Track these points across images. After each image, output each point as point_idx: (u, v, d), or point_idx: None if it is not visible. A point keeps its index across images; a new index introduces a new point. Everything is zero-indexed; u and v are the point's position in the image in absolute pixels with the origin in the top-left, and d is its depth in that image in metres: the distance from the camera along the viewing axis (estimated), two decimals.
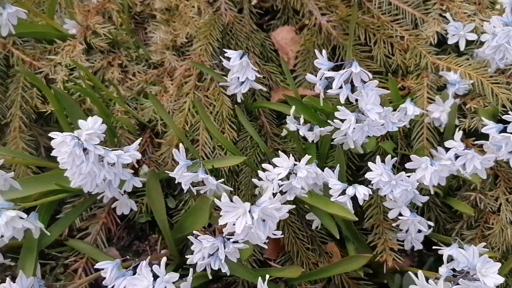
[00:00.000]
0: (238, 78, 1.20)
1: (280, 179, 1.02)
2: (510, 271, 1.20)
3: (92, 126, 0.97)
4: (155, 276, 0.97)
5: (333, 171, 1.12)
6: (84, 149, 0.97)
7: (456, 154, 1.10)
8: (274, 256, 1.28)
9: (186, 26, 1.41)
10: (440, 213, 1.28)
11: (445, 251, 1.03)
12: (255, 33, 1.46)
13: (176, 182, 1.22)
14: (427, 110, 1.26)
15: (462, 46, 1.29)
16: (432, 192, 1.13)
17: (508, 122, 1.10)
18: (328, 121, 1.13)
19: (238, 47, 1.41)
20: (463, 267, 1.01)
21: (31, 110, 1.32)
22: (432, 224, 1.15)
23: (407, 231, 1.15)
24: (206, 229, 1.24)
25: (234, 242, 0.95)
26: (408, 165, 1.10)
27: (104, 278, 1.02)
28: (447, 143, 1.12)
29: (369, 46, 1.40)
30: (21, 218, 0.96)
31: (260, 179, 1.12)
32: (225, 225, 0.92)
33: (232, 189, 1.12)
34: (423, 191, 1.20)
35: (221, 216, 0.92)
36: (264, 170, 1.08)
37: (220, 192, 1.12)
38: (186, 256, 1.06)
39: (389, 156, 1.09)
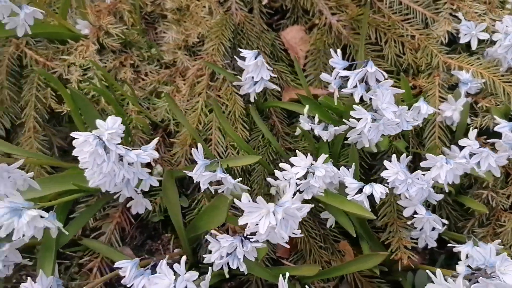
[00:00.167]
0: (253, 77, 1.20)
1: (298, 178, 1.03)
2: None
3: (112, 126, 0.98)
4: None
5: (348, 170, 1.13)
6: (105, 149, 0.98)
7: (470, 152, 1.10)
8: (287, 255, 1.28)
9: (197, 26, 1.42)
10: (451, 211, 1.29)
11: (462, 249, 1.04)
12: (266, 33, 1.47)
13: (193, 181, 1.24)
14: (439, 109, 1.27)
15: (474, 45, 1.30)
16: (447, 190, 1.14)
17: None
18: (343, 120, 1.13)
19: (249, 46, 1.41)
20: (479, 265, 1.02)
21: (45, 110, 1.32)
22: (446, 222, 1.16)
23: (421, 229, 1.15)
24: (220, 228, 1.25)
25: (254, 241, 0.95)
26: (423, 164, 1.11)
27: (121, 277, 1.02)
28: (462, 142, 1.12)
29: (380, 46, 1.41)
30: (41, 217, 0.96)
31: (275, 178, 1.13)
32: (244, 224, 0.93)
33: (249, 188, 1.12)
34: (435, 189, 1.21)
35: (241, 216, 0.92)
36: (281, 169, 1.08)
37: (237, 191, 1.12)
38: (203, 256, 1.07)
39: (404, 154, 1.10)
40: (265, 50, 1.43)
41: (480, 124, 1.28)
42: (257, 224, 0.89)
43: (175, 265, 0.96)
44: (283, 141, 1.34)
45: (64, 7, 1.31)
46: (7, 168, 0.96)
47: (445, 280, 0.98)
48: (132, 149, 1.03)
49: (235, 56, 1.29)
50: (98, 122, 1.00)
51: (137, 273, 1.01)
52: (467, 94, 1.28)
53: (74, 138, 0.98)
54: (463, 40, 1.31)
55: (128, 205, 1.22)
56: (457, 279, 0.97)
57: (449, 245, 1.12)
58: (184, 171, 1.10)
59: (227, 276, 1.07)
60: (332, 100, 1.17)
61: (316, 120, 1.20)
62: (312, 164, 1.05)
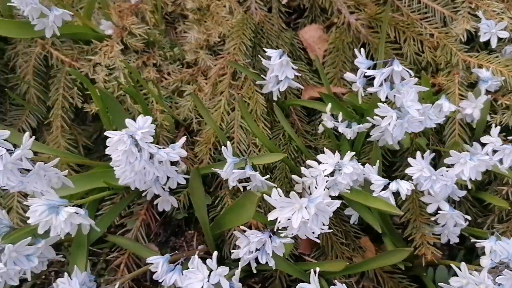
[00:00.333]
0: (277, 76, 1.22)
1: (325, 175, 1.05)
2: None
3: (143, 125, 1.00)
4: None
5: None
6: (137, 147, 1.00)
7: (493, 149, 1.12)
8: (309, 251, 1.30)
9: (218, 26, 1.44)
10: (470, 207, 1.31)
11: (486, 244, 1.06)
12: (284, 32, 1.49)
13: (216, 179, 1.26)
14: (459, 107, 1.29)
15: (494, 44, 1.32)
16: (469, 187, 1.15)
17: None
18: (367, 117, 1.15)
19: (269, 45, 1.43)
20: (502, 259, 1.04)
21: (71, 110, 1.34)
22: (469, 218, 1.17)
23: (444, 225, 1.17)
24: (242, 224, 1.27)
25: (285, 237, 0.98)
26: (446, 160, 1.13)
27: (146, 273, 1.04)
28: (484, 139, 1.14)
29: (399, 44, 1.42)
30: (77, 214, 0.99)
31: (300, 175, 1.15)
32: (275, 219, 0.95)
33: (276, 185, 1.14)
34: (457, 185, 1.23)
35: (272, 211, 0.94)
36: (307, 166, 1.10)
37: (264, 188, 1.15)
38: (232, 251, 1.09)
39: (428, 152, 1.12)
40: (285, 49, 1.44)
41: (500, 121, 1.29)
42: (289, 219, 0.91)
43: (208, 260, 0.98)
44: (303, 139, 1.36)
45: (89, 8, 1.33)
46: (44, 166, 0.98)
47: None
48: (162, 148, 1.05)
49: (259, 56, 1.31)
50: (128, 121, 1.02)
51: (168, 269, 1.04)
52: (487, 92, 1.29)
53: (98, 137, 1.00)
54: (483, 39, 1.33)
55: (154, 202, 1.24)
56: (481, 272, 0.99)
57: (472, 240, 1.14)
58: (213, 168, 1.12)
59: (255, 271, 1.09)
60: (356, 98, 1.19)
61: (340, 118, 1.22)
62: (339, 161, 1.07)
